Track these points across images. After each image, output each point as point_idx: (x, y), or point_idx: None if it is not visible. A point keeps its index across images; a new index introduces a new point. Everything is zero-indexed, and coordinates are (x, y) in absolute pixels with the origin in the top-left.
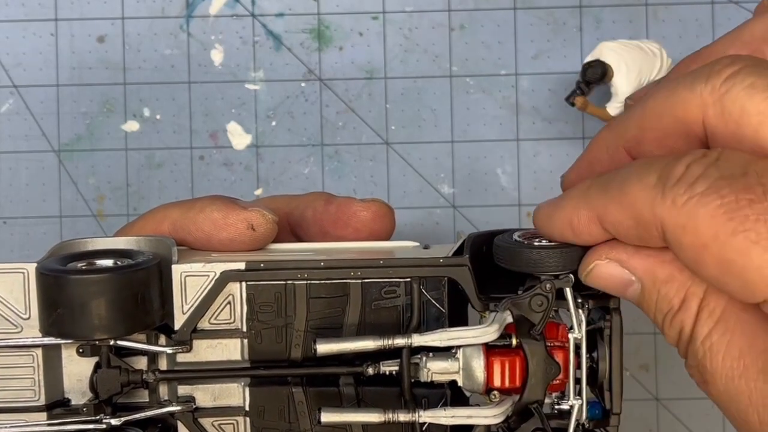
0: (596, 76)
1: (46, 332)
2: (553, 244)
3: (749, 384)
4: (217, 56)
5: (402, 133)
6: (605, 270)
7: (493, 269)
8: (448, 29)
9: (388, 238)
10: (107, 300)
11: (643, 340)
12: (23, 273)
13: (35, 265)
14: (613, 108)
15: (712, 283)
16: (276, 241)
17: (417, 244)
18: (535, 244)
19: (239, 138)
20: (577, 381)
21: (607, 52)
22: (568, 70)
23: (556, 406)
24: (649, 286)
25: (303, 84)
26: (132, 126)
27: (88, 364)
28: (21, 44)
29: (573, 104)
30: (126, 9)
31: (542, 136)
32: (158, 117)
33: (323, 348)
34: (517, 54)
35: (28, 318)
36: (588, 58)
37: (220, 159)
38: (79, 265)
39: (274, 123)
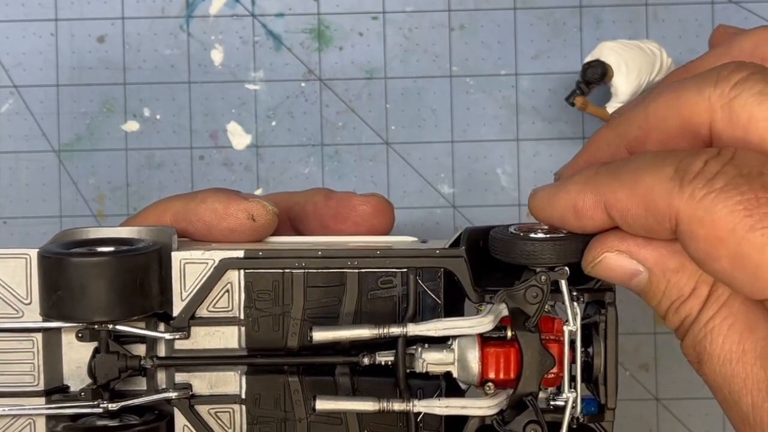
0: (596, 76)
1: (46, 314)
2: (548, 236)
3: (746, 368)
4: (217, 56)
5: (402, 133)
6: (614, 261)
7: (490, 264)
8: (448, 29)
9: (387, 233)
10: (107, 283)
11: (643, 340)
12: (26, 258)
13: (37, 250)
14: (613, 108)
15: (718, 277)
16: (276, 236)
17: (415, 239)
18: (531, 236)
19: (239, 138)
20: (573, 378)
21: (607, 52)
22: (568, 70)
23: (552, 402)
24: (658, 275)
25: (303, 84)
26: (132, 126)
27: (87, 351)
28: (21, 44)
29: (573, 104)
30: (126, 9)
31: (542, 136)
32: (158, 117)
33: (319, 335)
34: (517, 54)
35: (30, 303)
36: (588, 58)
37: (220, 159)
38: (81, 250)
39: (274, 123)
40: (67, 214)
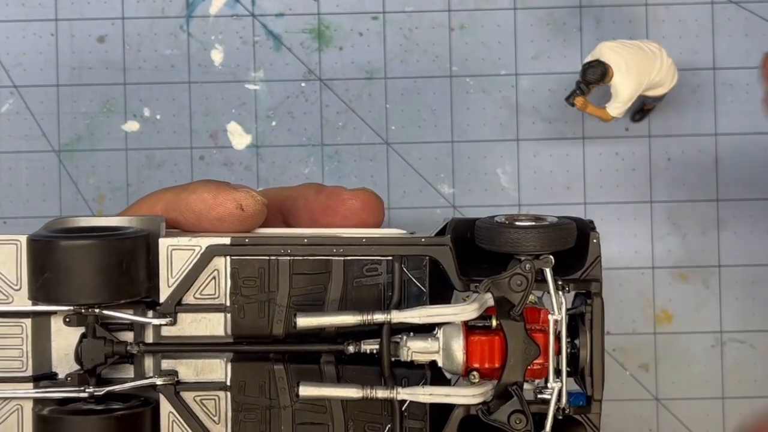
0: (596, 76)
1: (33, 297)
2: (532, 224)
3: None
4: (217, 56)
5: (402, 133)
6: None
7: (477, 256)
8: (448, 29)
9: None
10: (93, 265)
11: (643, 340)
12: (16, 244)
13: (27, 236)
14: (613, 108)
15: None
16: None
17: (403, 231)
18: (516, 224)
19: (239, 138)
20: (559, 371)
21: (607, 52)
22: (568, 70)
23: (539, 395)
24: None
25: (303, 84)
26: (132, 126)
27: (75, 338)
28: (21, 44)
29: (573, 104)
30: (126, 9)
31: (542, 136)
32: (158, 117)
33: (303, 321)
34: (517, 54)
35: (19, 289)
36: (588, 58)
37: (220, 159)
38: (69, 234)
39: (274, 123)
40: (67, 214)
